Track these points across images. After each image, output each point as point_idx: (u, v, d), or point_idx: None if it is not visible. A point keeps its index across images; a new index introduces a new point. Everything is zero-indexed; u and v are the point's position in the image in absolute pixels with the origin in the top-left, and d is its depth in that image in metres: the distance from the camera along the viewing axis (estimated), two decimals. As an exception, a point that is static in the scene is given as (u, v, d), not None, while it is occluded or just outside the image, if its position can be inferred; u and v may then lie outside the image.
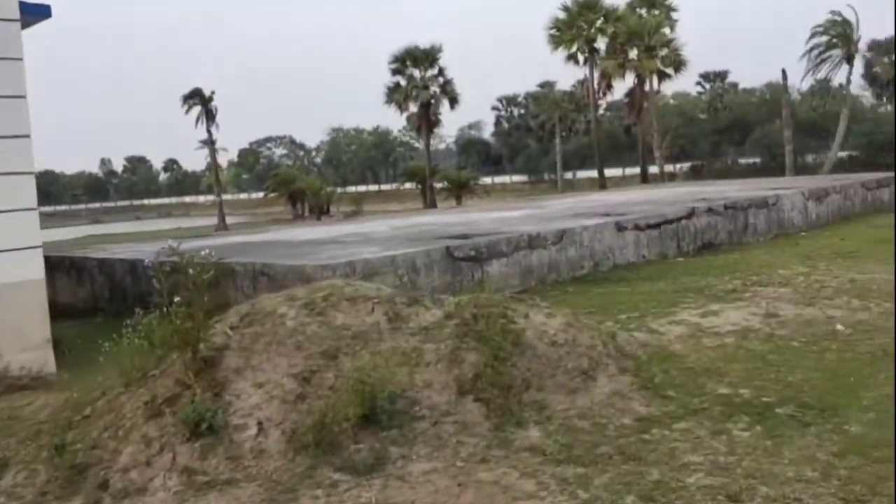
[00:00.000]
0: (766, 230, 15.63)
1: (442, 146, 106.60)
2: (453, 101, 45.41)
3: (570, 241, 11.40)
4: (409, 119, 47.71)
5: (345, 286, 5.47)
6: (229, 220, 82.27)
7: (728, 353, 6.11)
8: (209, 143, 52.37)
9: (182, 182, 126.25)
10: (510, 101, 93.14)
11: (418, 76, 44.92)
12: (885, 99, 66.56)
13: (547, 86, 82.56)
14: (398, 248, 10.10)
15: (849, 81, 37.68)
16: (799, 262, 11.31)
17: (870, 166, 52.46)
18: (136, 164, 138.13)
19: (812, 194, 17.24)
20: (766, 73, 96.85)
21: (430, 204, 45.12)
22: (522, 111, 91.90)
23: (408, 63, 44.68)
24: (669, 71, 37.30)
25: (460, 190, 43.04)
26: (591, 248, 11.73)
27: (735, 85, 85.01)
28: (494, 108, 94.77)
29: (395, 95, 44.25)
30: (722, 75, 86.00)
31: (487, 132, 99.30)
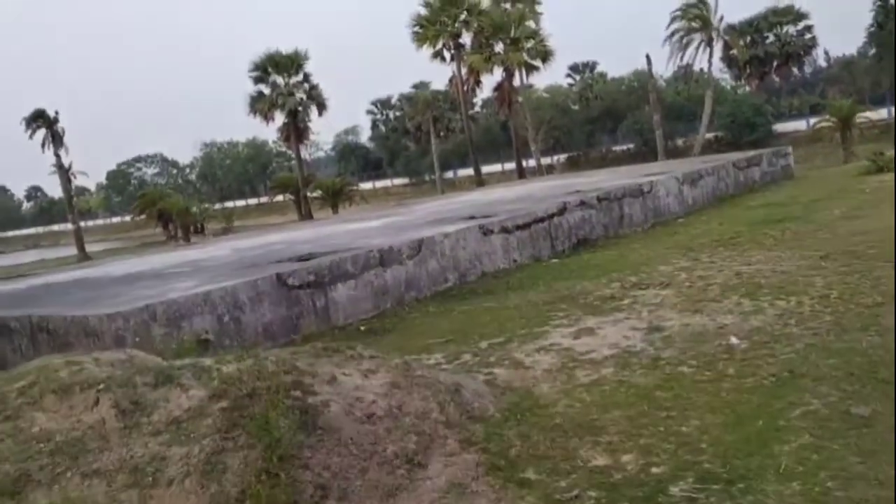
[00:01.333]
0: (642, 220, 14.82)
1: (320, 154, 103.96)
2: (321, 107, 43.43)
3: (430, 252, 9.96)
4: (279, 130, 45.25)
5: (61, 367, 3.74)
6: (101, 246, 76.78)
7: (606, 395, 4.79)
8: (58, 166, 47.95)
9: (49, 209, 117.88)
10: (384, 103, 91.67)
11: (282, 83, 42.63)
12: (743, 80, 69.68)
13: (421, 86, 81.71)
14: (226, 278, 8.34)
15: (710, 64, 38.44)
16: (680, 255, 10.35)
17: (735, 146, 54.54)
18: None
19: (686, 178, 16.64)
20: (633, 61, 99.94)
21: (306, 215, 42.94)
22: (398, 113, 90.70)
23: (270, 70, 42.30)
24: (537, 63, 36.81)
25: (335, 198, 41.09)
26: (454, 257, 10.35)
27: (604, 75, 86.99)
28: (370, 112, 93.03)
29: (259, 105, 41.79)
30: (591, 66, 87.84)
31: (365, 136, 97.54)
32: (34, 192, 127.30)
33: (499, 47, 36.11)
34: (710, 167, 17.90)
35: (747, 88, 69.42)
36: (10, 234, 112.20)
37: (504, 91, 38.37)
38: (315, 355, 4.29)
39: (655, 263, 9.90)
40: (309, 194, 43.51)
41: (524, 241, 11.71)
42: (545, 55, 36.69)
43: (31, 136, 46.71)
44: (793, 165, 23.06)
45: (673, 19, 35.94)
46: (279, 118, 43.11)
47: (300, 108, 42.06)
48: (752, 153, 21.20)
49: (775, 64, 69.34)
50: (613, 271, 9.68)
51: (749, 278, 7.97)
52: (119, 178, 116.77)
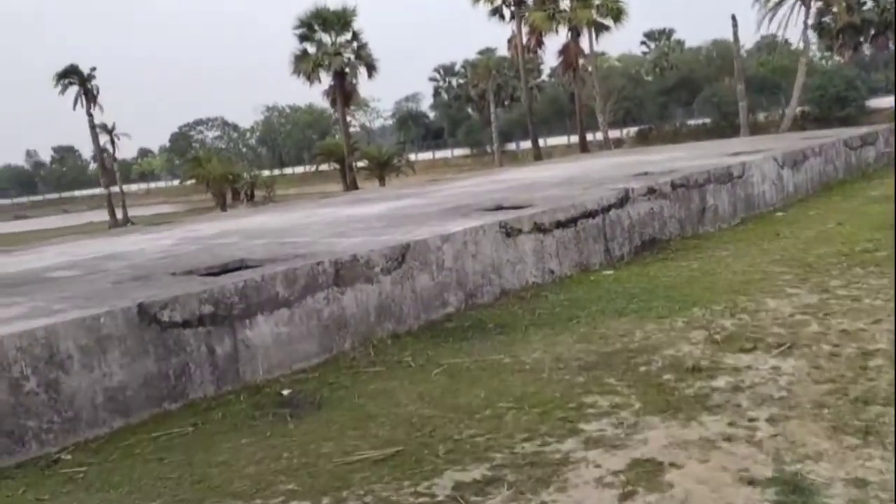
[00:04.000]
0: (730, 213, 11.25)
1: (378, 122, 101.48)
2: (371, 69, 40.40)
3: (420, 262, 6.78)
4: (324, 92, 42.41)
5: None
6: (157, 209, 76.43)
7: None
8: (91, 125, 46.39)
9: (111, 171, 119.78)
10: (448, 70, 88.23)
11: (329, 42, 39.73)
12: (834, 50, 63.49)
13: (487, 52, 77.94)
14: (67, 305, 5.39)
15: (806, 27, 33.66)
16: (795, 277, 6.88)
17: (824, 122, 49.21)
18: (65, 154, 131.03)
19: (787, 159, 12.91)
20: (713, 29, 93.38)
21: (351, 185, 40.20)
22: (461, 81, 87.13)
23: (316, 27, 39.42)
24: (608, 22, 32.78)
25: (382, 169, 38.15)
26: (459, 269, 7.14)
27: (681, 43, 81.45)
28: (432, 79, 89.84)
29: (303, 64, 38.99)
30: (668, 33, 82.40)
31: (426, 104, 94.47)
32: (100, 153, 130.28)
33: (564, 3, 32.25)
34: (815, 146, 14.06)
35: (838, 59, 63.26)
36: (76, 193, 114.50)
37: (570, 53, 34.48)
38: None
39: (759, 290, 6.48)
40: (355, 164, 40.73)
41: (566, 244, 8.39)
42: (617, 13, 32.62)
43: (62, 92, 45.14)
44: (915, 146, 18.83)
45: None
46: (325, 80, 40.33)
47: (347, 69, 39.10)
48: (865, 130, 17.12)
49: (872, 33, 62.86)
50: (694, 302, 6.30)
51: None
52: (181, 141, 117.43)
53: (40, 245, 11.82)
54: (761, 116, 58.77)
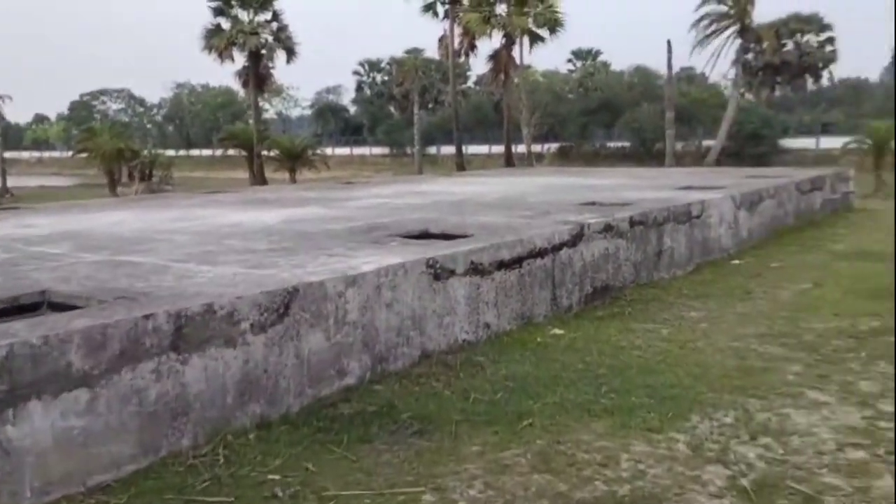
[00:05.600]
0: (686, 258, 9.72)
1: (296, 111, 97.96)
2: (291, 53, 37.75)
3: (313, 315, 4.75)
4: (237, 73, 39.35)
5: None
6: (53, 181, 70.47)
7: None
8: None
9: (4, 135, 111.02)
10: (373, 65, 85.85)
11: (246, 19, 36.83)
12: (753, 87, 65.05)
13: (414, 52, 76.12)
14: None
15: (738, 60, 33.38)
16: (807, 370, 5.23)
17: (737, 157, 49.88)
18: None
19: (744, 200, 11.55)
20: (636, 55, 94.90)
21: (258, 175, 37.38)
22: (386, 78, 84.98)
23: (233, 2, 36.47)
24: (543, 32, 31.42)
25: (294, 161, 35.51)
26: (368, 325, 5.14)
27: (607, 65, 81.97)
28: (356, 73, 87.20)
29: (215, 40, 35.97)
30: (594, 54, 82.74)
31: (348, 98, 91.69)
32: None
33: (501, 8, 30.66)
34: (770, 187, 12.82)
35: (749, 97, 64.78)
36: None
37: (501, 61, 32.95)
38: None
39: (770, 390, 4.78)
40: (264, 153, 37.88)
41: (508, 291, 6.53)
42: (554, 25, 31.32)
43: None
44: (854, 193, 18.17)
45: (705, 1, 30.81)
46: (239, 60, 37.39)
47: (264, 51, 36.30)
48: (814, 173, 16.16)
49: (790, 74, 64.74)
50: (690, 403, 4.54)
51: None
52: (81, 110, 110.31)
53: None
54: (679, 146, 59.41)
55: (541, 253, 6.98)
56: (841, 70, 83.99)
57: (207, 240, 6.86)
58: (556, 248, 7.21)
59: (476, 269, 6.21)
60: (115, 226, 8.00)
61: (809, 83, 66.59)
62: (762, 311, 7.19)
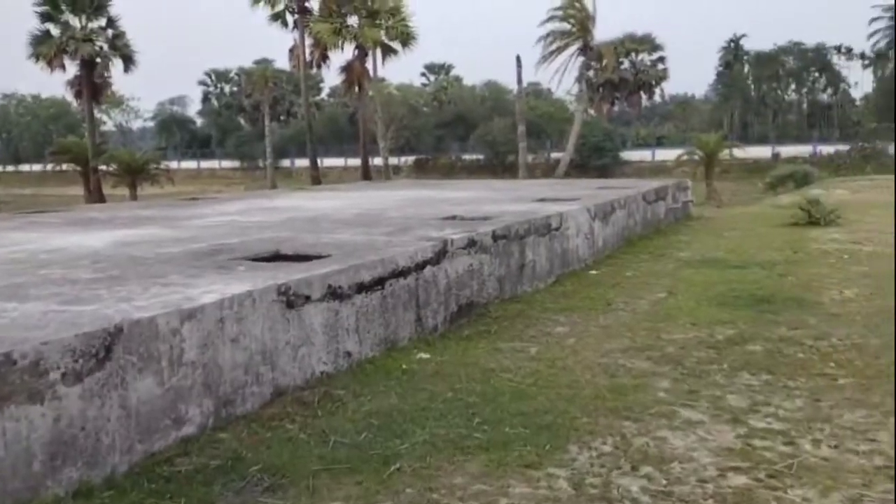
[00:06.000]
0: (547, 271, 9.69)
1: (137, 123, 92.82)
2: (128, 61, 35.41)
3: (142, 357, 4.09)
4: (68, 83, 36.39)
5: None
6: None
7: None
8: None
9: None
10: (220, 76, 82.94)
11: (78, 25, 34.13)
12: (594, 103, 68.45)
13: (264, 62, 74.11)
14: None
15: (582, 77, 34.83)
16: (675, 385, 5.15)
17: (582, 169, 52.30)
18: None
19: (598, 211, 11.76)
20: (487, 71, 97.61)
21: (95, 192, 34.66)
22: (235, 89, 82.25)
23: (63, 6, 33.71)
24: (396, 45, 31.26)
25: (134, 176, 33.19)
26: (210, 364, 4.53)
27: (459, 79, 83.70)
28: (202, 83, 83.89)
29: (43, 48, 33.08)
30: (447, 68, 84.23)
31: (194, 110, 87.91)
32: None
33: (353, 20, 30.20)
34: (621, 198, 13.19)
35: (591, 112, 68.28)
36: None
37: (354, 72, 32.46)
38: None
39: (644, 411, 4.62)
40: (101, 168, 35.21)
41: (370, 315, 6.08)
42: (406, 38, 31.25)
43: None
44: (692, 202, 19.25)
45: (550, 18, 31.92)
46: (71, 69, 34.58)
47: (98, 59, 33.77)
48: (656, 184, 16.89)
49: (627, 91, 68.75)
50: (567, 431, 4.29)
51: None
52: None
53: None
54: (530, 158, 61.54)
55: (403, 272, 6.59)
56: (671, 87, 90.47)
57: (19, 270, 5.91)
58: (420, 267, 6.84)
59: (334, 294, 5.71)
60: None
61: (644, 99, 71.00)
62: (624, 323, 7.18)
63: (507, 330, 7.03)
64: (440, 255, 7.18)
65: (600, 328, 6.98)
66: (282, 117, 73.62)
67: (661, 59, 66.43)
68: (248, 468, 3.92)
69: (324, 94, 78.10)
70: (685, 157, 38.14)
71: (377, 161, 40.99)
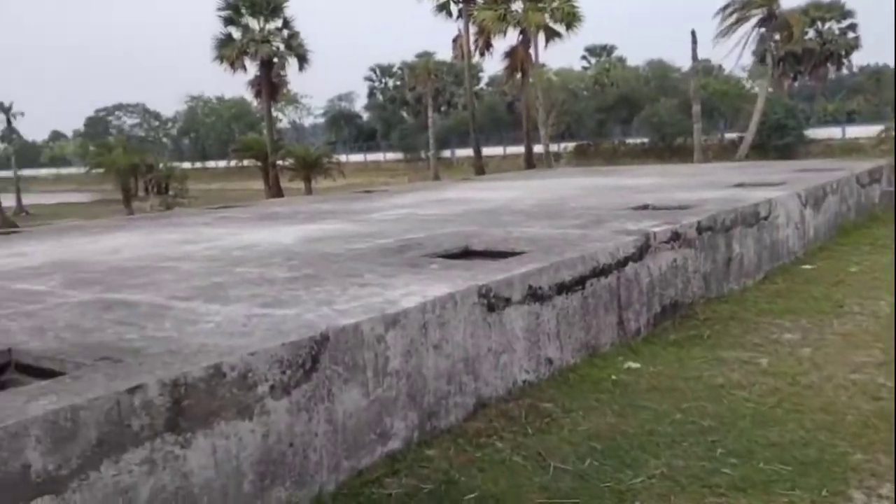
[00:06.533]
0: (755, 266, 8.65)
1: (309, 120, 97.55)
2: (303, 60, 36.87)
3: (348, 366, 3.77)
4: (249, 83, 38.56)
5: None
6: (71, 197, 70.48)
7: None
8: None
9: (20, 153, 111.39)
10: (385, 70, 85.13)
11: (257, 27, 36.04)
12: (774, 77, 63.48)
13: (425, 55, 75.31)
14: None
15: (767, 50, 32.14)
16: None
17: (761, 149, 48.46)
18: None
19: (809, 197, 10.46)
20: (652, 49, 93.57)
21: (273, 185, 36.56)
22: (398, 83, 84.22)
23: (243, 10, 35.69)
24: (560, 28, 30.28)
25: (309, 170, 34.65)
26: (414, 373, 4.16)
27: (623, 60, 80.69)
28: (367, 79, 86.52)
29: (226, 50, 35.16)
30: (609, 50, 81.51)
31: (360, 105, 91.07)
32: (9, 133, 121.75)
33: (517, 5, 29.60)
34: (832, 181, 11.70)
35: (770, 89, 63.35)
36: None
37: (517, 58, 31.83)
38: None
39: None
40: (279, 163, 37.06)
41: (570, 318, 5.52)
42: (572, 20, 30.16)
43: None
44: (909, 185, 16.93)
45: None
46: (251, 69, 36.60)
47: (276, 59, 35.50)
48: (869, 165, 14.99)
49: (812, 64, 63.12)
50: (812, 460, 3.53)
51: None
52: (97, 126, 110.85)
53: None
54: (702, 140, 58.05)
55: (605, 270, 5.96)
56: (859, 56, 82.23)
57: (217, 268, 5.90)
58: (622, 264, 6.18)
59: (535, 295, 5.20)
60: (114, 252, 7.06)
61: (831, 71, 64.94)
62: (868, 330, 6.12)
63: (722, 335, 6.21)
64: (643, 251, 6.48)
65: (839, 336, 5.99)
66: (442, 108, 74.53)
67: (852, 27, 60.44)
68: (462, 495, 3.49)
69: (482, 84, 78.20)
70: (885, 135, 34.28)
71: (537, 148, 40.21)
